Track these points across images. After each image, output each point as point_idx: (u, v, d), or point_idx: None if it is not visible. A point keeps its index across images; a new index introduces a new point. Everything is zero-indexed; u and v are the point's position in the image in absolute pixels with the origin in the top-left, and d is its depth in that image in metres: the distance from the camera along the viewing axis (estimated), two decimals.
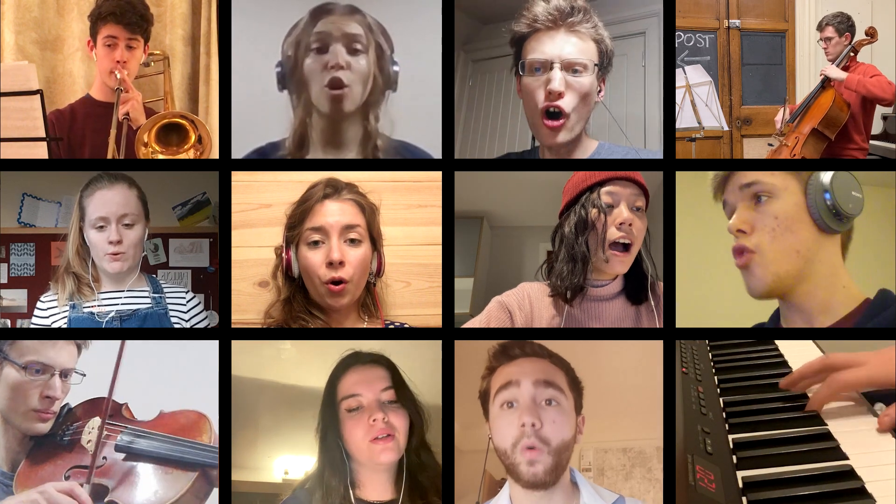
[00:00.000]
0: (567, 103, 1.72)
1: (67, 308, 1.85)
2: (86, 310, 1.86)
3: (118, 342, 1.68)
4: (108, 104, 2.16)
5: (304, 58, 1.76)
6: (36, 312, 1.89)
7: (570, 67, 1.72)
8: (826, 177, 1.41)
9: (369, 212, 1.72)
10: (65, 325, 1.85)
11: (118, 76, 2.12)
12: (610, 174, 1.68)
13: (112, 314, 1.85)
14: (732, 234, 1.45)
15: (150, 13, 2.23)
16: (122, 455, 1.63)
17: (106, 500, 1.58)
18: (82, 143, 2.19)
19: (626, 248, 1.66)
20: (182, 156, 2.05)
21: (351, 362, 1.61)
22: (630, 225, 1.64)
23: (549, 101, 1.72)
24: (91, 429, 1.66)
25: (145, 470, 1.61)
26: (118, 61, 2.14)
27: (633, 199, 1.66)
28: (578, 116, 1.75)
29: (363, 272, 1.69)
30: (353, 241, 1.67)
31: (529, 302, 1.73)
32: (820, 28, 2.71)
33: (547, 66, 1.72)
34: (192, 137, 2.04)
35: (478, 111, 3.01)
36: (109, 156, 2.04)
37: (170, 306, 1.92)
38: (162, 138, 2.04)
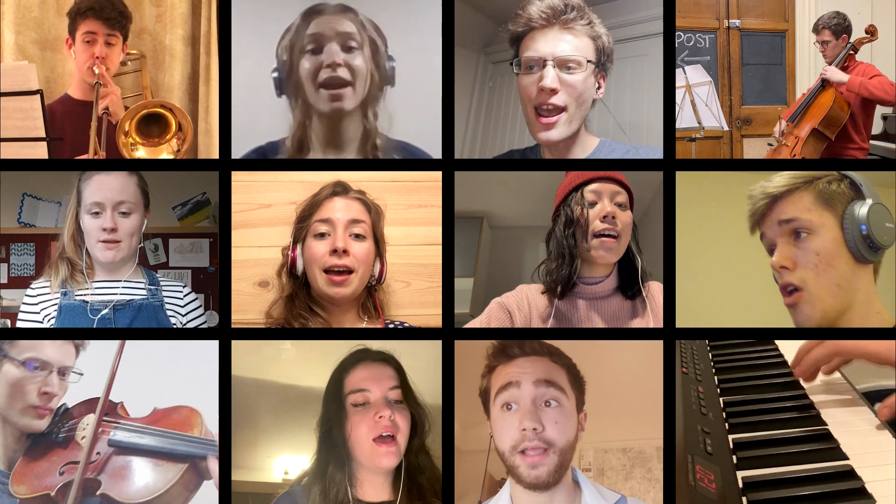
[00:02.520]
0: (560, 100, 1.73)
1: (59, 295, 1.83)
2: (77, 297, 1.83)
3: (116, 341, 1.69)
4: (86, 102, 2.17)
5: (300, 60, 1.76)
6: (25, 300, 1.86)
7: (564, 65, 1.72)
8: (862, 209, 1.42)
9: (374, 212, 1.76)
10: (55, 312, 1.82)
11: (97, 71, 2.12)
12: (593, 175, 1.73)
13: (106, 310, 1.83)
14: (776, 270, 1.46)
15: (128, 11, 2.23)
16: (115, 449, 1.64)
17: (98, 493, 1.59)
18: (62, 142, 2.18)
19: (611, 238, 1.69)
20: (164, 146, 2.05)
21: (360, 357, 1.62)
22: (614, 217, 1.68)
23: (542, 98, 1.73)
24: (85, 425, 1.67)
25: (137, 463, 1.63)
26: (97, 57, 2.14)
27: (614, 195, 1.71)
28: (574, 114, 1.75)
29: (366, 267, 1.71)
30: (357, 235, 1.70)
31: (528, 303, 1.75)
32: (816, 31, 2.69)
33: (541, 63, 1.73)
34: (173, 126, 2.03)
35: (497, 111, 3.01)
36: (91, 150, 2.03)
37: (166, 299, 1.90)
38: (143, 130, 2.04)
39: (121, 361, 1.67)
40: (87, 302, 1.83)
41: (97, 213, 1.82)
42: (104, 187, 1.83)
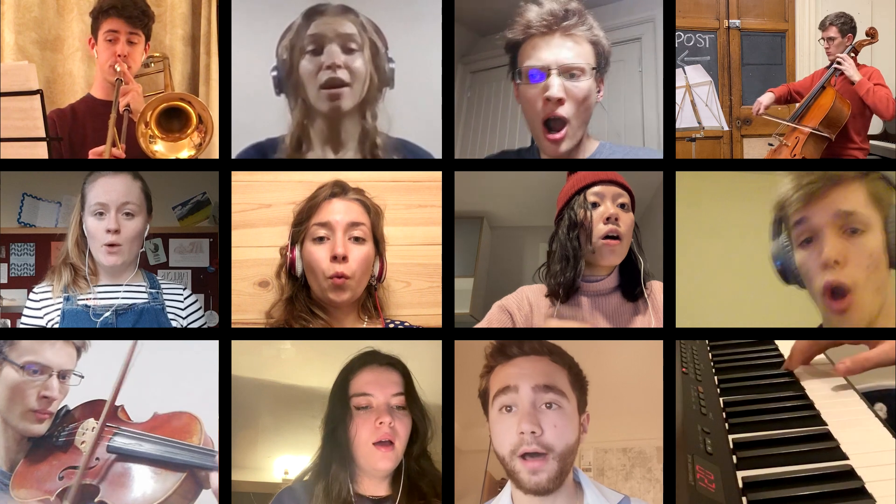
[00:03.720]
0: (567, 110, 1.71)
1: (61, 300, 1.83)
2: (80, 302, 1.83)
3: (122, 344, 1.69)
4: (109, 102, 2.15)
5: (300, 60, 1.76)
6: (28, 304, 1.86)
7: (568, 72, 1.71)
8: None
9: (374, 213, 1.75)
10: (58, 318, 1.82)
11: (118, 69, 2.11)
12: (594, 178, 1.73)
13: (108, 313, 1.83)
14: (823, 265, 1.35)
15: (150, 10, 2.23)
16: (114, 456, 1.64)
17: (96, 500, 1.59)
18: (83, 143, 2.18)
19: (614, 240, 1.69)
20: (185, 140, 2.04)
21: (368, 360, 1.62)
22: (617, 219, 1.69)
23: (549, 109, 1.71)
24: (85, 430, 1.67)
25: (135, 470, 1.62)
26: (119, 55, 2.14)
27: (616, 197, 1.72)
28: (579, 122, 1.74)
29: (365, 270, 1.71)
30: (357, 238, 1.69)
31: (528, 303, 1.75)
32: (823, 27, 2.69)
33: (544, 72, 1.70)
34: (194, 119, 2.03)
35: (476, 121, 3.02)
36: (108, 141, 2.02)
37: (167, 302, 1.90)
38: (163, 124, 2.03)
39: (130, 366, 1.67)
40: (90, 307, 1.83)
41: (101, 214, 1.82)
42: (109, 188, 1.83)
